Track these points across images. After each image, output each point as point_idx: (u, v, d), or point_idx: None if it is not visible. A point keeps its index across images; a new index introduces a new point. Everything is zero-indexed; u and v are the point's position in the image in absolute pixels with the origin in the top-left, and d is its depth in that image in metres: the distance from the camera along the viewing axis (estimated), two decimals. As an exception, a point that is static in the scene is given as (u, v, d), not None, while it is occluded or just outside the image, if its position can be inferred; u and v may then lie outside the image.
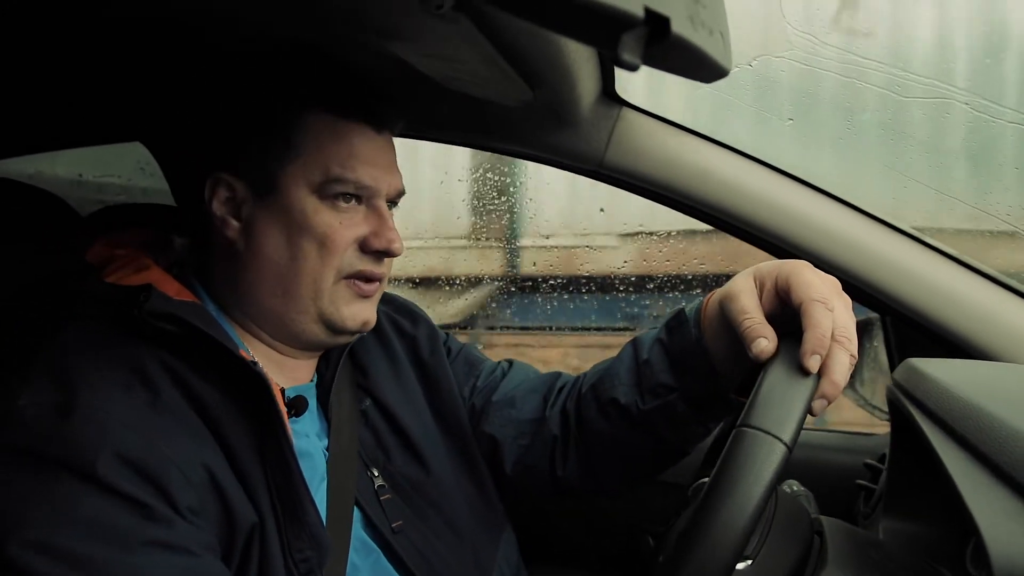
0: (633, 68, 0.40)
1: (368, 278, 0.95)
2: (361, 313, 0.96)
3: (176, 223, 1.01)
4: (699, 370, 0.98)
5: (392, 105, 0.98)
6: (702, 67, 0.45)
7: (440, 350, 1.17)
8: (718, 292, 0.96)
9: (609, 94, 1.21)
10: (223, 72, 0.95)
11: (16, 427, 0.76)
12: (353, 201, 0.93)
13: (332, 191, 0.91)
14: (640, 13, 0.37)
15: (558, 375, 1.18)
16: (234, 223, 0.93)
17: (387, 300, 1.19)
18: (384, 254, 0.95)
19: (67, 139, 1.41)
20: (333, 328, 0.95)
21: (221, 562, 0.79)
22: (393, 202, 0.99)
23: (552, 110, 1.16)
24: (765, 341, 0.82)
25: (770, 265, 0.89)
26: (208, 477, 0.79)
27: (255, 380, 0.85)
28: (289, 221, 0.91)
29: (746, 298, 0.87)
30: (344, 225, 0.92)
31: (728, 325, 0.91)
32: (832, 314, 0.80)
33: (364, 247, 0.94)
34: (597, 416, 1.07)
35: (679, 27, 0.40)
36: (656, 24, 0.39)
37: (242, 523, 0.81)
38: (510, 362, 1.22)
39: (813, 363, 0.77)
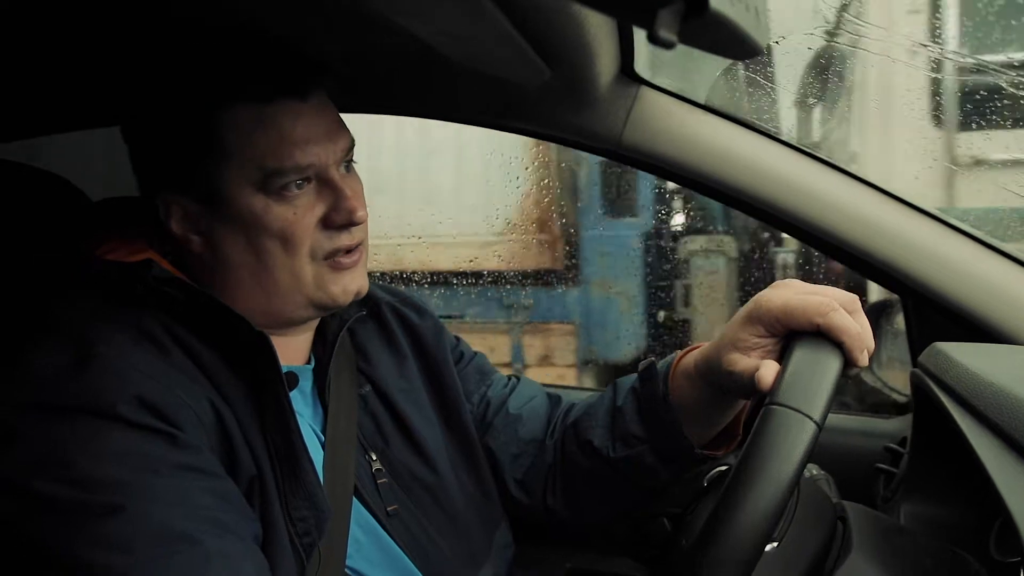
0: (669, 46, 0.38)
1: (346, 251, 0.93)
2: (351, 284, 0.94)
3: None
4: (666, 424, 0.99)
5: (310, 67, 0.93)
6: (738, 44, 0.44)
7: (446, 347, 1.16)
8: (695, 357, 0.97)
9: (627, 72, 1.19)
10: (140, 88, 0.93)
11: (36, 385, 0.79)
12: (302, 185, 0.89)
13: (276, 184, 0.87)
14: (678, -12, 0.36)
15: (559, 399, 1.18)
16: (196, 238, 0.91)
17: (393, 292, 1.18)
18: (349, 225, 0.92)
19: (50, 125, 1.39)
20: (326, 307, 0.95)
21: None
22: (348, 161, 0.95)
23: (569, 89, 1.14)
24: (764, 370, 0.80)
25: (746, 323, 0.88)
26: (216, 421, 0.83)
27: (255, 341, 0.86)
28: (245, 225, 0.89)
29: (746, 363, 0.86)
30: (300, 213, 0.89)
31: (696, 388, 0.95)
32: (844, 312, 0.79)
33: (327, 224, 0.91)
34: (577, 452, 1.09)
35: (717, 3, 0.38)
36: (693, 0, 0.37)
37: (244, 473, 0.83)
38: (518, 377, 1.22)
39: (864, 358, 0.78)
